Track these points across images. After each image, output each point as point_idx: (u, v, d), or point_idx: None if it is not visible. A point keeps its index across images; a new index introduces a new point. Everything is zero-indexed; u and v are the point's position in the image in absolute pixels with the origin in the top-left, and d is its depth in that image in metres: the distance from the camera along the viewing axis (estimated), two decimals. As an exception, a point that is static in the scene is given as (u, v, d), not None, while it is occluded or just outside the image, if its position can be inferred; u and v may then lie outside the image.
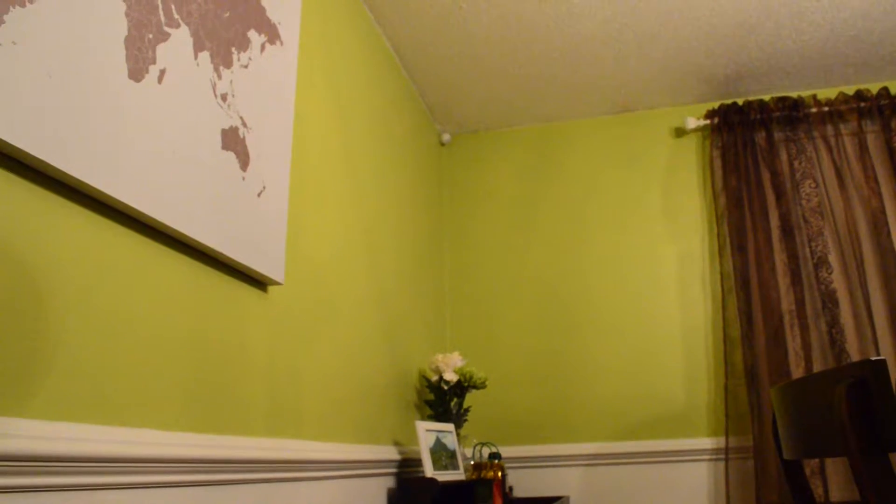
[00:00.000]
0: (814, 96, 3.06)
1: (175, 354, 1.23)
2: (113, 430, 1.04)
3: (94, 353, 1.03)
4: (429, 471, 2.14)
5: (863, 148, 2.96)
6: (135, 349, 1.13)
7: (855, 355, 2.77)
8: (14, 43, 0.91)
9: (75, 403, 0.99)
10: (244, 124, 1.47)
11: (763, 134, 3.07)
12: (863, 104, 3.00)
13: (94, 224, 1.07)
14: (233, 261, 1.40)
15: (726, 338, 2.89)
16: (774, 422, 1.60)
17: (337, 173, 2.09)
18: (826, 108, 3.03)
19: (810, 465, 2.66)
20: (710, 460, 2.83)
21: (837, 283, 2.86)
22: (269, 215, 1.54)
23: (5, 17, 0.90)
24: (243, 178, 1.45)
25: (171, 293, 1.24)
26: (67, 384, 0.98)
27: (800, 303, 2.82)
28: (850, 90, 3.13)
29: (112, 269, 1.10)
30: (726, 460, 2.76)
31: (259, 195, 1.51)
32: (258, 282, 1.55)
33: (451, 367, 2.56)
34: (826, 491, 2.62)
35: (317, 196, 1.93)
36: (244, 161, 1.46)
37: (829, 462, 2.68)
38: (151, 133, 1.16)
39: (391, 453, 2.21)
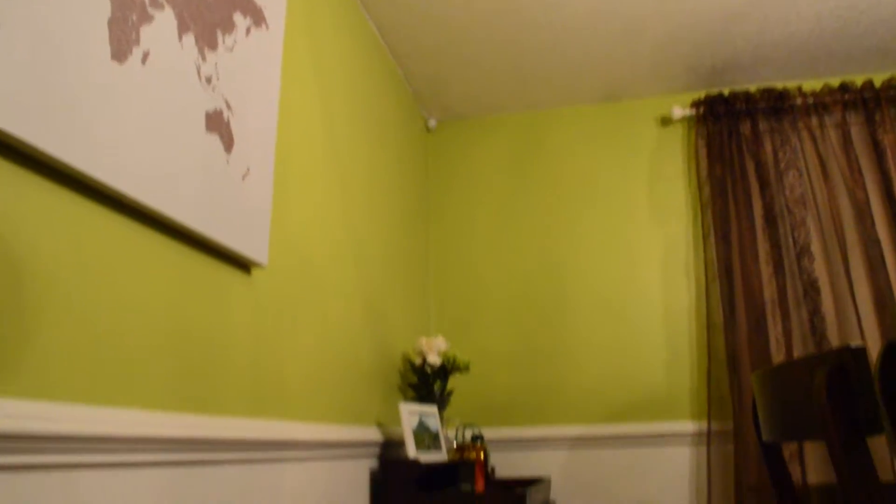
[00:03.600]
0: (799, 88, 3.08)
1: (158, 334, 1.25)
2: (95, 410, 1.05)
3: (76, 332, 1.04)
4: (411, 452, 2.16)
5: (847, 140, 2.99)
6: (117, 329, 1.14)
7: (836, 343, 2.81)
8: (-4, 23, 0.91)
9: (57, 383, 1.00)
10: (228, 107, 1.47)
11: (748, 124, 3.09)
12: (847, 96, 3.03)
13: (76, 205, 1.07)
14: (216, 243, 1.41)
15: (709, 324, 2.92)
16: (755, 406, 1.63)
17: (322, 156, 2.10)
18: (811, 100, 3.06)
19: (789, 450, 2.70)
20: (691, 443, 2.87)
21: (819, 272, 2.89)
22: (253, 198, 1.55)
23: (-12, -3, 0.90)
24: (227, 161, 1.46)
25: (153, 274, 1.25)
26: (48, 363, 0.99)
27: (782, 291, 2.85)
28: (834, 82, 3.15)
29: (94, 250, 1.11)
30: (708, 444, 2.80)
31: (243, 178, 1.51)
32: (242, 264, 1.56)
33: (434, 350, 2.58)
34: (804, 474, 2.67)
35: (301, 179, 1.94)
36: (228, 144, 1.46)
37: (807, 446, 2.72)
38: (135, 114, 1.17)
39: (374, 434, 2.23)
